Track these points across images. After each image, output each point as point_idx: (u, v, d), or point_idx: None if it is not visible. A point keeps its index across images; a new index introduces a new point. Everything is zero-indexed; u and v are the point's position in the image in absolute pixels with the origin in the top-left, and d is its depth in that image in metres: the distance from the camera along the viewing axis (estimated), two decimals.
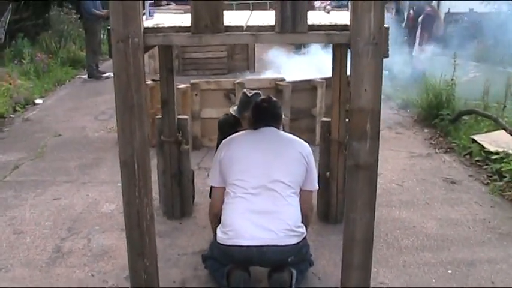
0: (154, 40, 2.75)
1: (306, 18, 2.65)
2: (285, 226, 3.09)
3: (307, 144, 3.39)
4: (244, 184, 3.14)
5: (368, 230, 2.85)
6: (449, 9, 16.75)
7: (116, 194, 4.85)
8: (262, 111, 3.43)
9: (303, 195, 3.32)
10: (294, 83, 6.09)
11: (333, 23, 2.77)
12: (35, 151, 6.13)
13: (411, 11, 11.22)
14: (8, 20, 11.41)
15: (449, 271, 3.57)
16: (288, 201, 3.15)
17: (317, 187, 3.50)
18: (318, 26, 2.73)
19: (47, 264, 3.68)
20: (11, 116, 7.65)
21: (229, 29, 2.70)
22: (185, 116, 4.44)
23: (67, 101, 8.89)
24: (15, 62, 10.13)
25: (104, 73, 10.93)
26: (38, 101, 8.64)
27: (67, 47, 12.15)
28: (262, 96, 3.72)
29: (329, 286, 3.36)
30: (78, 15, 12.90)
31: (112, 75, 9.84)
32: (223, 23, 2.67)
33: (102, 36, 11.11)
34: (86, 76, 10.94)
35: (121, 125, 2.76)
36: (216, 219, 3.34)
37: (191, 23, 2.67)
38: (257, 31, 2.71)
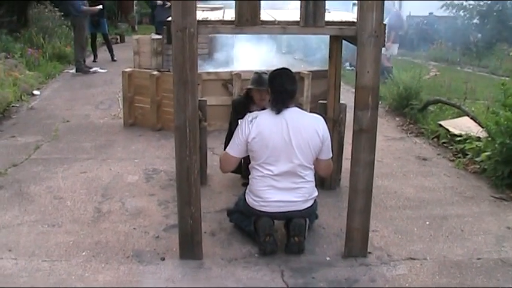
0: (205, 30, 3.47)
1: (324, 15, 3.42)
2: (303, 197, 3.88)
3: (321, 120, 3.94)
4: (270, 168, 3.80)
5: (368, 181, 3.64)
6: (410, 12, 17.85)
7: (136, 168, 5.54)
8: (281, 93, 3.84)
9: (322, 164, 3.98)
10: None
11: (343, 20, 3.55)
12: (49, 134, 6.72)
13: None
14: None
15: (427, 222, 4.39)
16: (306, 179, 3.87)
17: (331, 155, 4.08)
18: (332, 22, 3.49)
19: (92, 221, 4.32)
20: (16, 105, 8.18)
21: (264, 22, 3.44)
22: (204, 98, 5.15)
23: (63, 93, 9.47)
24: (7, 56, 10.50)
25: (91, 68, 11.48)
26: (36, 92, 9.18)
27: (52, 43, 12.64)
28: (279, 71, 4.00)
29: (332, 233, 4.15)
30: (62, 13, 13.40)
31: (99, 70, 10.56)
32: (260, 18, 3.41)
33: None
34: (73, 70, 11.47)
35: (177, 96, 3.43)
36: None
37: (235, 18, 3.39)
38: (286, 25, 3.47)
